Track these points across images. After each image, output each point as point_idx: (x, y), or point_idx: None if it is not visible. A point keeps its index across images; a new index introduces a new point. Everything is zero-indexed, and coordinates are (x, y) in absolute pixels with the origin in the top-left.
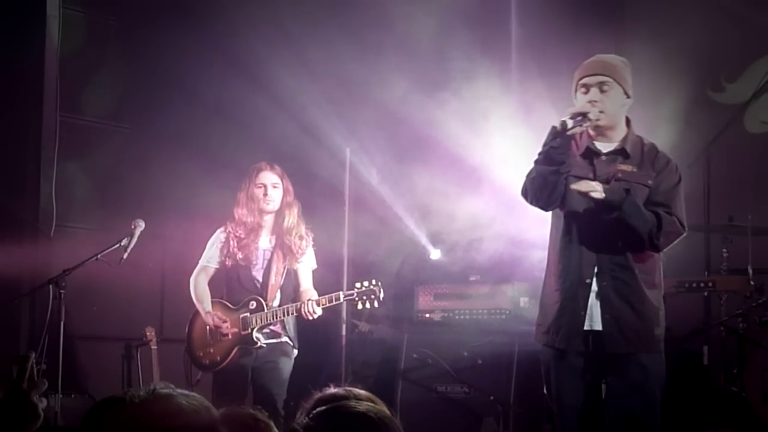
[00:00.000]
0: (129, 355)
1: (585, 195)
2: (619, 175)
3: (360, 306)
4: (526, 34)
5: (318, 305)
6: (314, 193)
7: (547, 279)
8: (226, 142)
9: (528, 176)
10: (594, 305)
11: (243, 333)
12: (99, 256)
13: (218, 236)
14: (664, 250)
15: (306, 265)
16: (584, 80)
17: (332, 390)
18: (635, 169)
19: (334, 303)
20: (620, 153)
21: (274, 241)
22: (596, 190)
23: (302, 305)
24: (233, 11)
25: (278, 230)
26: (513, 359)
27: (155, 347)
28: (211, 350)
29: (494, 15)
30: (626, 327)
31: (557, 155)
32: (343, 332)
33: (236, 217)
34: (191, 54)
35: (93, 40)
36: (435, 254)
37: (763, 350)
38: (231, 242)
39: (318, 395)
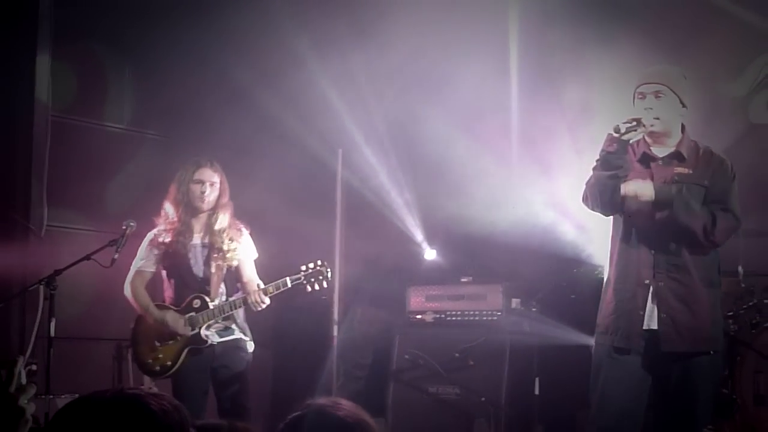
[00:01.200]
0: (120, 355)
1: (634, 198)
2: (676, 177)
3: (309, 289)
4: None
5: (265, 294)
6: (306, 193)
7: (607, 281)
8: (216, 142)
9: (587, 183)
10: (652, 305)
11: (191, 333)
12: (90, 256)
13: (150, 238)
14: (723, 244)
15: (244, 258)
16: (641, 88)
17: (320, 401)
18: (691, 171)
19: (282, 289)
20: (676, 157)
21: (207, 240)
22: (644, 192)
23: (248, 296)
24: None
25: (209, 230)
26: (505, 360)
27: None
28: (161, 355)
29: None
30: (681, 326)
31: (614, 160)
32: (334, 333)
33: (167, 214)
34: (181, 53)
35: (86, 38)
36: (430, 254)
37: (754, 352)
38: (165, 242)
39: (305, 403)
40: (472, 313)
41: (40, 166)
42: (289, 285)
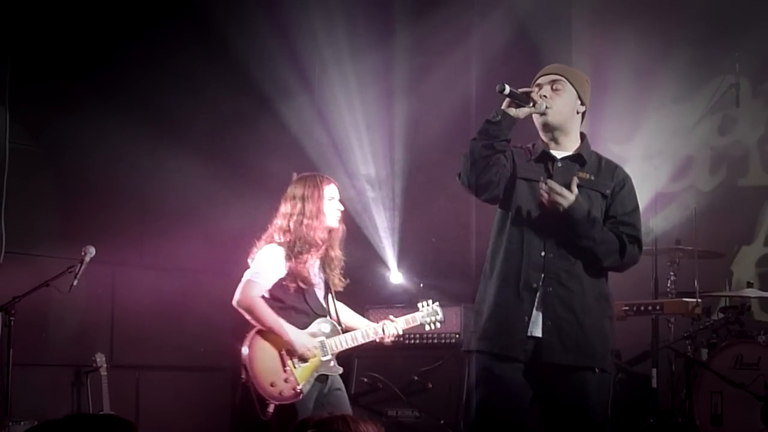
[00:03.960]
0: (79, 381)
1: (550, 196)
2: (577, 181)
3: (427, 328)
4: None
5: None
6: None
7: (486, 282)
8: (177, 168)
9: (463, 155)
10: (537, 312)
11: (323, 359)
12: (49, 282)
13: (276, 252)
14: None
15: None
16: (539, 80)
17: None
18: (593, 178)
19: (411, 325)
20: (576, 160)
21: (319, 262)
22: (566, 197)
23: (383, 326)
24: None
25: (327, 252)
26: (463, 383)
27: (105, 373)
28: (286, 379)
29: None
30: (567, 336)
31: (493, 130)
32: None
33: (302, 231)
34: (146, 82)
35: (42, 65)
36: (396, 277)
37: (711, 372)
38: (294, 259)
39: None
40: (430, 335)
41: None
42: (419, 322)
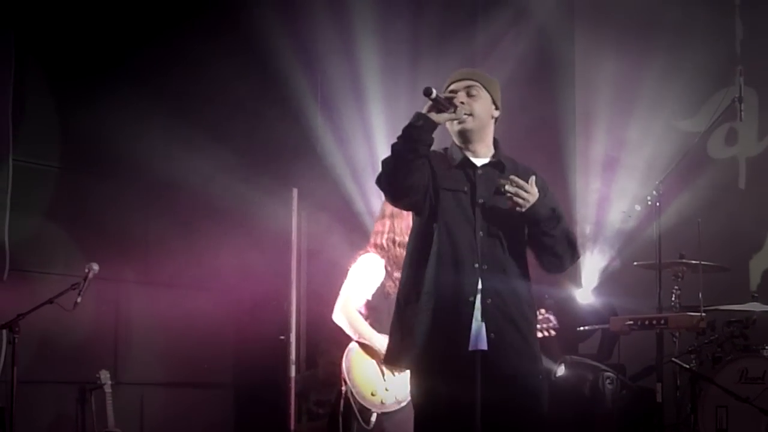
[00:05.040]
0: (83, 398)
1: (515, 194)
2: (504, 188)
3: (540, 335)
4: None
5: None
6: (259, 236)
7: (408, 297)
8: (179, 184)
9: (383, 161)
10: (479, 324)
11: None
12: (53, 300)
13: (372, 261)
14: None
15: None
16: (452, 86)
17: None
18: None
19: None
20: (496, 166)
21: None
22: (532, 193)
23: None
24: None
25: None
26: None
27: (109, 390)
28: (387, 388)
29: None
30: (510, 348)
31: (416, 134)
32: (292, 374)
33: (395, 250)
34: (146, 99)
35: (47, 81)
36: None
37: (716, 387)
38: (389, 268)
39: None
40: None
41: (1, 210)
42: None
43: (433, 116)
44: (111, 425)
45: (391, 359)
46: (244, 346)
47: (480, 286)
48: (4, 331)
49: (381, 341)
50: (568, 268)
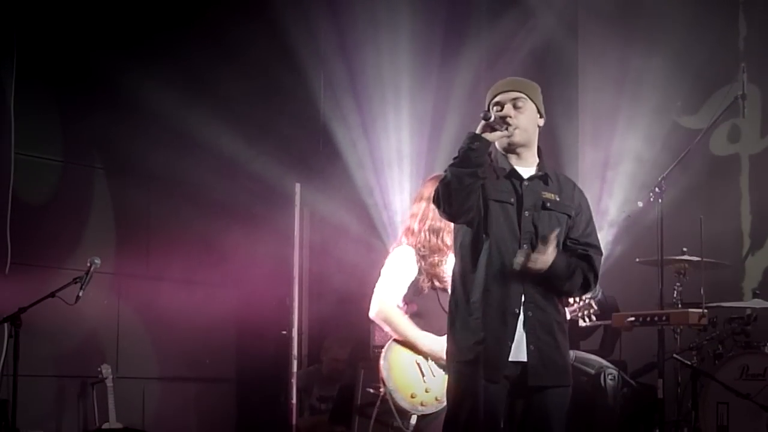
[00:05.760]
0: (85, 392)
1: (531, 264)
2: (548, 204)
3: (582, 323)
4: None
5: None
6: (261, 231)
7: (461, 306)
8: (183, 179)
9: (441, 181)
10: (520, 336)
11: None
12: (55, 293)
13: (405, 254)
14: None
15: None
16: (498, 98)
17: None
18: (557, 198)
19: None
20: (541, 178)
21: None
22: (547, 259)
23: None
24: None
25: None
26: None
27: (111, 384)
28: (427, 389)
29: None
30: (548, 358)
31: (475, 157)
32: (294, 369)
33: (428, 234)
34: (153, 90)
35: (49, 76)
36: None
37: (717, 383)
38: (424, 261)
39: None
40: None
41: (3, 203)
42: (568, 317)
43: (488, 136)
44: (112, 419)
45: (458, 364)
46: (246, 340)
47: (523, 298)
48: (6, 325)
49: (427, 340)
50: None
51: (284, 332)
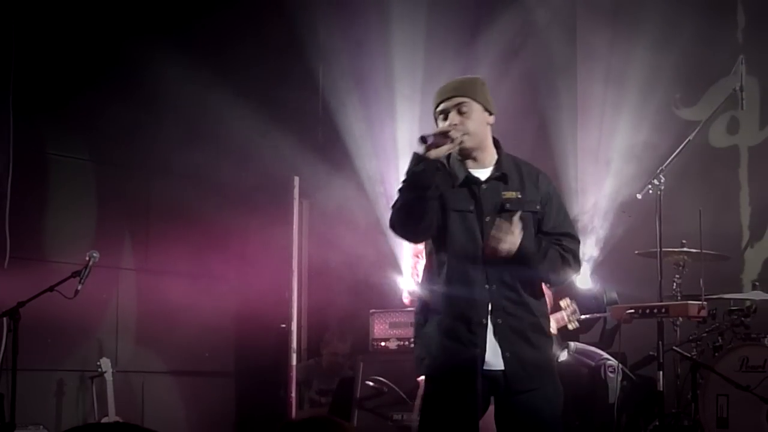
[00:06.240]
0: (84, 386)
1: (496, 247)
2: (507, 205)
3: (570, 327)
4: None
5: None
6: (260, 224)
7: (427, 315)
8: (180, 172)
9: (393, 206)
10: (493, 344)
11: None
12: (54, 287)
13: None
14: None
15: None
16: (441, 107)
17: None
18: (519, 195)
19: (561, 324)
20: (500, 179)
21: None
22: (513, 241)
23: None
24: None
25: None
26: None
27: (110, 378)
28: None
29: None
30: (528, 362)
31: (421, 180)
32: (293, 362)
33: None
34: (145, 88)
35: (47, 69)
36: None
37: (717, 375)
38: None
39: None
40: None
41: (1, 197)
42: (565, 321)
43: (432, 154)
44: (112, 413)
45: (421, 368)
46: (245, 334)
47: (490, 307)
48: (5, 319)
49: None
50: (566, 282)
51: (283, 325)
